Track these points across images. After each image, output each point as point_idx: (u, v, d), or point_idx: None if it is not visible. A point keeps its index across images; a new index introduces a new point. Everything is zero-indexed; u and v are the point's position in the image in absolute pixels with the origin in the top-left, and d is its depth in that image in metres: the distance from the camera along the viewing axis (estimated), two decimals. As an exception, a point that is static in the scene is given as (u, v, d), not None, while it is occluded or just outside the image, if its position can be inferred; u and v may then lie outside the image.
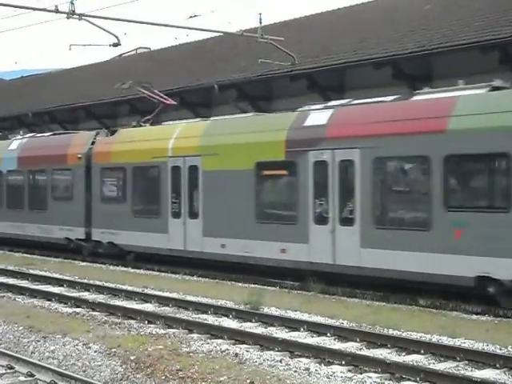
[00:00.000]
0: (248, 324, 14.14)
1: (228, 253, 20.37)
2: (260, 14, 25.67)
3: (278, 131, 19.56)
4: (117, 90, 31.09)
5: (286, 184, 19.71)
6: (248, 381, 9.88)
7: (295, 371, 10.55)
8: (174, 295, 17.31)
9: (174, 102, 27.04)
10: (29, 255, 27.68)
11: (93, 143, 26.26)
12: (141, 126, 26.20)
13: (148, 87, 27.21)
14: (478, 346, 11.96)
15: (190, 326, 13.69)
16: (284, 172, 19.57)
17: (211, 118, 24.67)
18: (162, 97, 27.08)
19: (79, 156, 26.23)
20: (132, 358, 11.21)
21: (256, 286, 18.80)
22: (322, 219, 18.11)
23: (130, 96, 35.04)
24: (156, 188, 23.23)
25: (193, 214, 21.83)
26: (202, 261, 21.58)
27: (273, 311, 15.16)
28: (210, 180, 21.36)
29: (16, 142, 30.77)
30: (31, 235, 28.42)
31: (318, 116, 18.89)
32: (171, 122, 25.45)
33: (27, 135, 31.87)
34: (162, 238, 22.62)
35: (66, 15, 22.58)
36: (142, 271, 22.63)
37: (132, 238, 23.86)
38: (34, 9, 23.80)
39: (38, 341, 12.78)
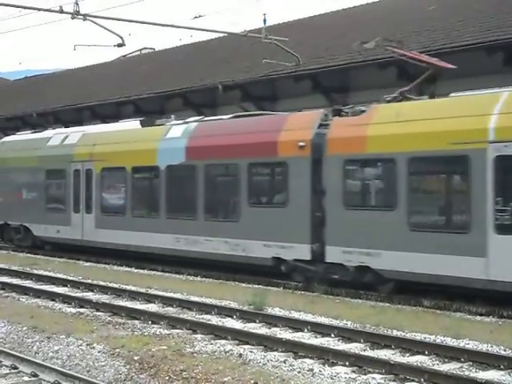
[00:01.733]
0: (252, 324, 14.13)
1: None
2: (264, 14, 25.73)
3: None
4: (121, 91, 31.12)
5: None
6: (252, 381, 9.88)
7: (299, 372, 10.55)
8: (178, 295, 17.31)
9: (452, 66, 19.38)
10: (32, 255, 27.68)
11: (320, 126, 19.00)
12: (406, 99, 18.86)
13: (400, 46, 20.61)
14: (483, 347, 11.94)
15: (194, 327, 13.69)
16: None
17: None
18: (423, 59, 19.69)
19: (301, 144, 18.77)
20: (136, 358, 11.21)
21: (260, 286, 18.80)
22: None
23: (135, 96, 35.14)
24: (463, 189, 16.05)
25: None
26: None
27: (277, 312, 15.14)
28: None
29: (180, 128, 23.25)
30: (212, 252, 21.16)
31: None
32: (488, 91, 16.64)
33: (195, 118, 24.29)
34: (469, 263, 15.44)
35: (70, 15, 22.62)
36: (145, 271, 22.63)
37: (405, 261, 16.56)
38: (39, 9, 23.85)
39: (42, 341, 12.78)
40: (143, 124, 25.47)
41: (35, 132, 30.96)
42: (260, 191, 20.80)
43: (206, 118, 23.95)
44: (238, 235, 20.34)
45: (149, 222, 23.48)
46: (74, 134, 27.36)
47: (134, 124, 25.68)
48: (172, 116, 25.20)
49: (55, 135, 28.36)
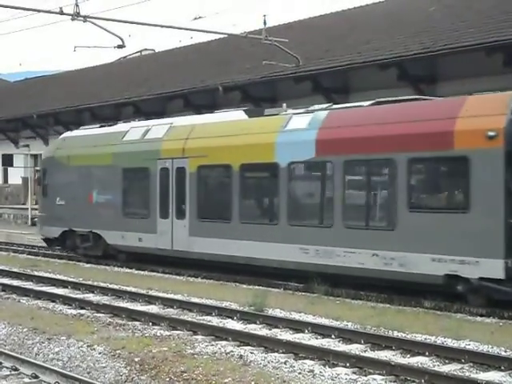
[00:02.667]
0: (252, 326, 14.12)
1: None
2: (264, 15, 25.80)
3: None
4: (121, 92, 31.13)
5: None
6: (252, 383, 9.88)
7: (300, 373, 10.55)
8: (179, 297, 17.31)
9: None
10: (33, 257, 27.69)
11: None
12: None
13: None
14: (483, 348, 11.93)
15: (195, 328, 13.68)
16: None
17: None
18: None
19: (491, 134, 15.13)
20: (136, 359, 11.21)
21: (260, 287, 18.79)
22: None
23: (135, 97, 35.16)
24: None
25: None
26: None
27: (277, 313, 15.14)
28: None
29: (305, 118, 19.33)
30: (355, 267, 17.43)
31: None
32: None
33: (322, 106, 20.28)
34: None
35: (70, 17, 22.65)
36: (146, 273, 22.63)
37: None
38: (39, 11, 23.87)
39: (43, 342, 12.78)
40: (250, 114, 21.68)
41: (102, 126, 27.12)
42: (426, 192, 17.17)
43: (337, 106, 20.20)
44: (394, 247, 16.64)
45: (263, 229, 19.56)
46: (158, 127, 23.67)
47: (237, 114, 21.84)
48: (284, 105, 21.25)
49: (132, 129, 24.57)
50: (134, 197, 24.45)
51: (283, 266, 19.08)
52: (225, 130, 21.19)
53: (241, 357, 11.43)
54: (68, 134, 28.66)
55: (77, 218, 25.87)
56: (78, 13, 22.53)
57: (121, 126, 25.74)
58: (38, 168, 29.45)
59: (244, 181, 20.46)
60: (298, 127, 19.11)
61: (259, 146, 19.79)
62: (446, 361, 11.31)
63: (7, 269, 22.91)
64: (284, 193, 19.09)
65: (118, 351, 11.70)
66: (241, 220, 20.20)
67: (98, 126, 27.45)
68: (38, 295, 17.94)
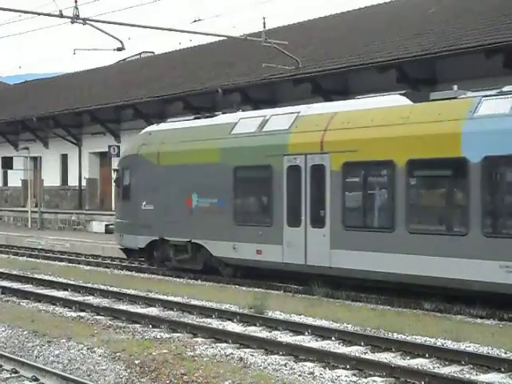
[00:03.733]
0: (252, 328, 14.13)
1: None
2: (264, 18, 25.76)
3: None
4: (120, 95, 31.07)
5: None
6: (252, 385, 9.88)
7: (300, 375, 10.55)
8: (179, 299, 17.31)
9: None
10: (33, 259, 27.68)
11: None
12: None
13: None
14: (483, 349, 11.93)
15: (195, 330, 13.68)
16: None
17: None
18: None
19: None
20: (136, 362, 11.21)
21: (260, 289, 18.80)
22: None
23: (134, 100, 35.18)
24: None
25: None
26: None
27: (277, 315, 15.14)
28: None
29: (504, 101, 15.44)
30: None
31: None
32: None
33: None
34: None
35: (70, 20, 22.65)
36: (146, 275, 22.62)
37: None
38: (39, 14, 23.86)
39: (43, 345, 12.78)
40: (413, 98, 17.63)
41: (197, 118, 23.20)
42: None
43: None
44: None
45: (444, 241, 15.80)
46: (279, 117, 19.84)
47: (395, 99, 17.80)
48: (454, 86, 17.16)
49: (242, 120, 20.72)
50: (249, 200, 20.86)
51: (482, 289, 15.09)
52: (382, 118, 17.37)
53: (241, 359, 11.44)
54: (153, 127, 24.40)
55: (171, 225, 22.02)
56: (78, 16, 22.53)
57: (225, 118, 21.69)
58: (116, 167, 24.87)
59: (412, 180, 16.86)
60: (493, 113, 15.35)
61: (436, 138, 16.03)
62: (446, 362, 11.31)
63: (7, 271, 22.91)
64: (475, 195, 15.27)
65: (118, 354, 11.70)
66: (408, 229, 16.36)
67: (191, 117, 23.46)
68: (38, 298, 17.94)
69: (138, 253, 23.75)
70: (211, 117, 22.16)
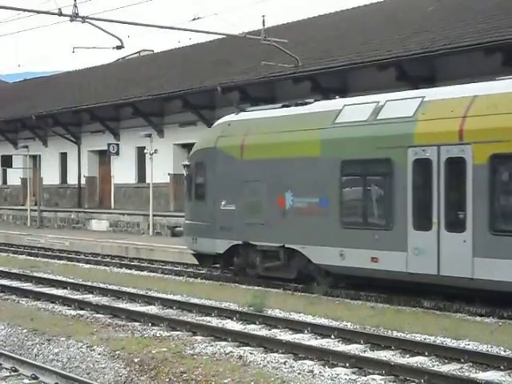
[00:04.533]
0: (252, 326, 14.12)
1: None
2: (263, 16, 25.74)
3: None
4: (119, 93, 31.02)
5: None
6: (252, 383, 9.89)
7: (299, 373, 10.56)
8: (178, 297, 17.31)
9: None
10: (32, 257, 27.67)
11: None
12: None
13: None
14: (483, 347, 11.93)
15: (194, 329, 13.68)
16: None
17: None
18: None
19: None
20: (136, 360, 11.21)
21: (260, 288, 18.79)
22: None
23: (134, 98, 35.17)
24: None
25: None
26: None
27: (277, 313, 15.14)
28: None
29: None
30: None
31: None
32: None
33: None
34: None
35: (69, 18, 22.63)
36: (145, 273, 22.62)
37: None
38: (38, 12, 23.85)
39: (42, 343, 12.78)
40: None
41: (286, 106, 20.09)
42: None
43: None
44: None
45: None
46: (398, 103, 17.14)
47: None
48: None
49: (348, 107, 18.00)
50: (361, 199, 17.62)
51: None
52: None
53: (240, 357, 11.44)
54: (232, 117, 21.42)
55: (258, 228, 19.31)
56: (77, 14, 22.51)
57: (323, 105, 19.07)
58: (186, 163, 22.02)
59: None
60: None
61: None
62: (446, 360, 11.32)
63: (7, 270, 22.90)
64: None
65: (117, 352, 11.70)
66: None
67: (278, 105, 20.60)
68: (38, 296, 17.94)
69: (212, 259, 21.12)
70: (303, 104, 19.38)
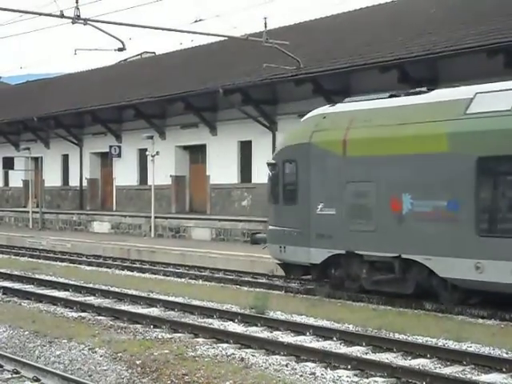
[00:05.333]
0: (254, 328, 14.11)
1: None
2: (265, 18, 25.76)
3: None
4: (121, 95, 30.96)
5: None
6: (254, 385, 9.88)
7: (301, 375, 10.55)
8: (180, 299, 17.30)
9: None
10: (34, 259, 27.67)
11: None
12: None
13: None
14: (485, 350, 11.92)
15: (196, 331, 13.67)
16: None
17: None
18: None
19: None
20: (138, 362, 11.20)
21: (261, 290, 18.79)
22: None
23: (136, 100, 35.18)
24: None
25: None
26: None
27: (278, 315, 15.13)
28: None
29: None
30: None
31: None
32: None
33: None
34: None
35: (71, 20, 22.64)
36: (147, 275, 22.61)
37: None
38: (40, 14, 23.86)
39: (44, 345, 12.77)
40: None
41: (393, 96, 17.40)
42: None
43: None
44: None
45: None
46: None
47: None
48: None
49: (481, 95, 15.41)
50: (505, 203, 15.19)
51: None
52: None
53: (242, 359, 11.43)
54: (327, 109, 18.74)
55: (366, 235, 16.75)
56: (79, 16, 22.52)
57: (446, 93, 16.39)
58: (271, 161, 19.39)
59: None
60: None
61: None
62: (448, 363, 11.30)
63: (8, 272, 22.90)
64: None
65: (119, 354, 11.69)
66: None
67: (385, 95, 17.59)
68: (39, 298, 17.92)
69: (304, 270, 18.54)
70: (416, 94, 16.96)
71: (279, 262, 19.31)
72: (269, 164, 19.32)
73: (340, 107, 18.27)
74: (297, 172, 18.29)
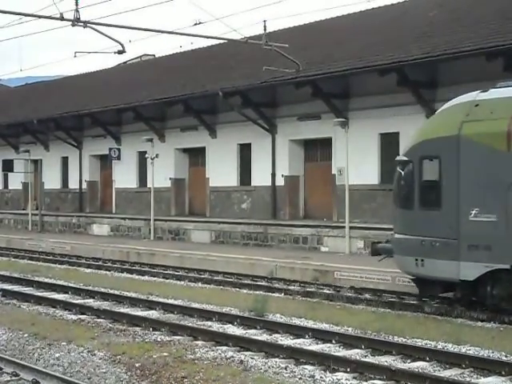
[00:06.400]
0: (253, 331, 14.12)
1: None
2: (264, 21, 25.75)
3: None
4: (121, 97, 30.95)
5: None
6: (253, 388, 9.88)
7: (300, 378, 10.55)
8: (179, 302, 17.30)
9: None
10: (33, 262, 27.65)
11: None
12: None
13: None
14: (484, 353, 11.93)
15: (195, 333, 13.67)
16: None
17: None
18: None
19: None
20: (137, 365, 11.20)
21: (261, 292, 18.78)
22: None
23: (135, 103, 35.17)
24: None
25: None
26: None
27: (277, 318, 15.14)
28: None
29: None
30: None
31: None
32: None
33: None
34: None
35: (71, 23, 22.63)
36: (146, 278, 22.61)
37: None
38: (40, 16, 23.85)
39: (43, 348, 12.77)
40: None
41: None
42: None
43: None
44: None
45: None
46: None
47: None
48: None
49: None
50: None
51: None
52: None
53: (241, 362, 11.43)
54: (479, 95, 15.43)
55: None
56: (79, 18, 22.51)
57: None
58: (402, 158, 16.30)
59: None
60: None
61: None
62: (447, 366, 11.32)
63: (8, 274, 22.91)
64: None
65: (118, 357, 11.69)
66: None
67: None
68: (39, 301, 17.93)
69: (447, 286, 15.71)
70: None
71: (413, 278, 16.38)
72: (400, 162, 16.30)
73: (497, 93, 15.16)
74: (440, 170, 15.38)
